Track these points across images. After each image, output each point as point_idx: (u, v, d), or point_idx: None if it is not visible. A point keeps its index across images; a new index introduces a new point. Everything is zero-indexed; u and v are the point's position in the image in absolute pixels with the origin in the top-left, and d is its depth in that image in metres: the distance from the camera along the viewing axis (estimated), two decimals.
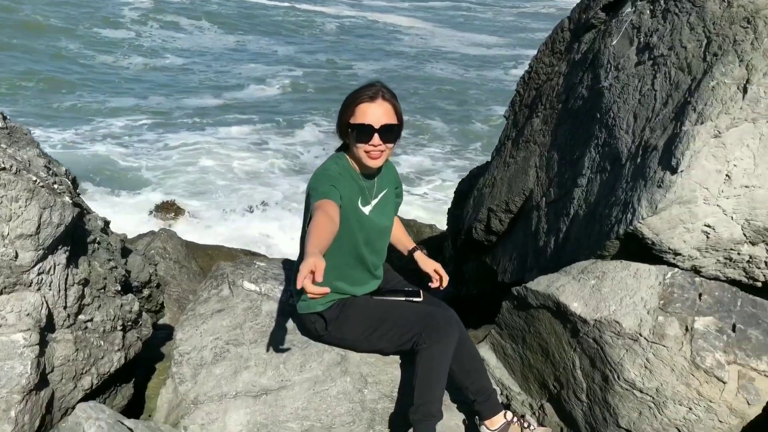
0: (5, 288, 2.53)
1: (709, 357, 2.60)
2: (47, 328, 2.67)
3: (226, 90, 19.76)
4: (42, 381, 2.61)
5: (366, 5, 36.67)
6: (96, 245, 3.25)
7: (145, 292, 3.89)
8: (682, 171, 3.08)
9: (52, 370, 2.73)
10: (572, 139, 4.29)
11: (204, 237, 10.24)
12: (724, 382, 2.58)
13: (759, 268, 3.30)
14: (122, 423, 2.63)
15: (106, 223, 3.51)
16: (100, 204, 11.20)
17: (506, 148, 5.32)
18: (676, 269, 2.89)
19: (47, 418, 2.66)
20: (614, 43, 4.13)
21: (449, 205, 7.02)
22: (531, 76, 5.30)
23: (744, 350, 2.63)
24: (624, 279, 2.86)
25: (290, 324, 3.01)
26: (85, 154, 13.96)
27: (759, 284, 3.35)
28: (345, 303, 2.73)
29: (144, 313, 3.44)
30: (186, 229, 10.64)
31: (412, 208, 12.19)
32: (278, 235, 11.06)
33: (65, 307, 2.79)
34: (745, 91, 3.06)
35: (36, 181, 2.56)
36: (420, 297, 2.78)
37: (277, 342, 2.89)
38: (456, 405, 2.85)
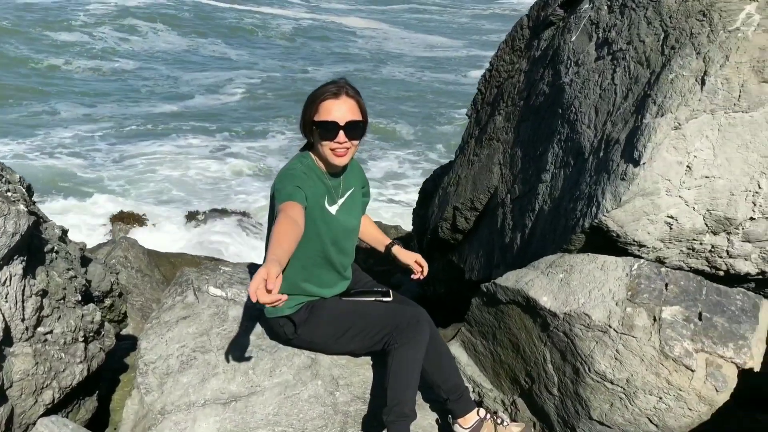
0: None
1: (677, 346, 2.63)
2: (4, 341, 2.57)
3: (179, 98, 19.44)
4: (0, 397, 2.51)
5: (320, 7, 36.56)
6: (54, 255, 3.14)
7: (107, 301, 3.79)
8: (644, 163, 3.11)
9: (11, 386, 2.62)
10: (535, 135, 4.32)
11: (166, 245, 10.06)
12: (692, 371, 2.61)
13: (721, 257, 3.36)
14: None
15: (64, 231, 3.41)
16: (57, 215, 10.92)
17: (470, 147, 5.34)
18: (642, 260, 2.92)
19: None
20: (573, 39, 4.17)
21: (414, 206, 7.01)
22: (492, 74, 5.32)
23: (711, 338, 2.67)
24: (591, 272, 2.88)
25: (258, 328, 2.95)
26: (38, 165, 13.60)
27: (721, 273, 3.41)
28: (314, 305, 2.68)
29: (106, 324, 3.35)
30: (148, 238, 10.44)
31: (377, 210, 12.17)
32: (242, 240, 10.93)
33: (23, 320, 2.69)
34: (703, 83, 3.11)
35: None
36: (390, 297, 2.75)
37: (245, 347, 2.83)
38: (429, 404, 2.83)
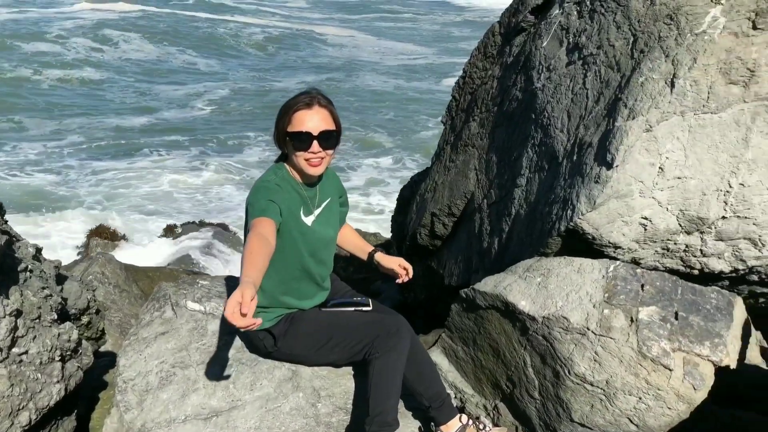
0: None
1: (654, 346, 2.66)
2: None
3: (149, 111, 19.23)
4: None
5: (293, 15, 36.51)
6: (28, 273, 3.09)
7: (84, 319, 3.73)
8: (617, 166, 3.15)
9: None
10: (509, 141, 4.35)
11: (144, 259, 9.96)
12: (670, 370, 2.64)
13: (695, 256, 3.40)
14: None
15: (38, 249, 3.36)
16: (31, 234, 10.77)
17: (446, 153, 5.36)
18: (618, 262, 2.95)
19: None
20: (544, 44, 4.22)
21: (393, 213, 7.03)
22: (466, 81, 5.36)
23: (687, 337, 2.70)
24: (569, 275, 2.90)
25: (238, 342, 2.93)
26: (8, 183, 13.37)
27: (696, 272, 3.46)
28: (293, 317, 2.67)
29: (84, 341, 3.30)
30: (125, 253, 10.34)
31: (357, 218, 12.17)
32: (221, 253, 10.86)
33: None
34: (672, 85, 3.16)
35: None
36: (369, 306, 2.75)
37: (225, 361, 2.81)
38: (411, 412, 2.83)
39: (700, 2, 3.16)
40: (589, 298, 2.78)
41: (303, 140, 2.45)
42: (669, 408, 2.66)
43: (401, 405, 2.83)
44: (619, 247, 3.27)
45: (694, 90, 3.16)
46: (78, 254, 10.35)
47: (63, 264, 7.55)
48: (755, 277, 3.51)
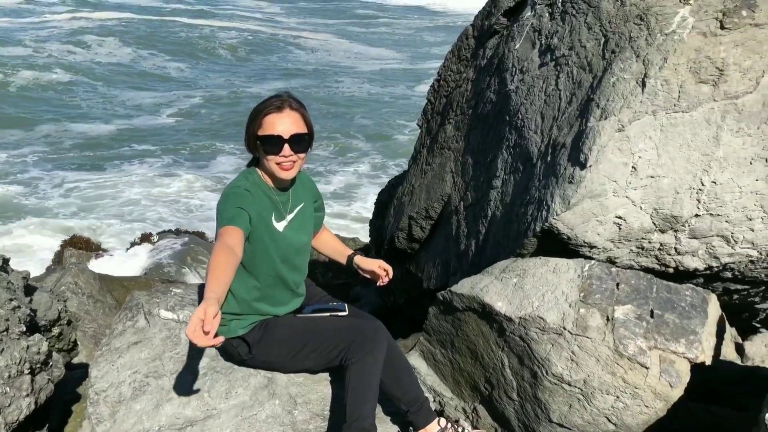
0: None
1: (631, 344, 2.66)
2: None
3: (118, 117, 18.97)
4: None
5: (266, 20, 36.37)
6: None
7: (55, 330, 3.66)
8: (590, 166, 3.17)
9: None
10: (484, 143, 4.36)
11: (120, 269, 9.83)
12: (647, 368, 2.65)
13: (669, 254, 3.43)
14: None
15: (5, 260, 3.28)
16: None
17: (422, 156, 5.36)
18: (593, 261, 2.96)
19: None
20: (517, 47, 4.23)
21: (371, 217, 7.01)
22: (440, 84, 5.37)
23: (663, 335, 2.71)
24: (544, 275, 2.90)
25: (212, 350, 2.88)
26: None
27: (671, 270, 3.48)
28: (267, 324, 2.63)
29: (54, 353, 3.23)
30: (100, 263, 10.20)
31: (336, 223, 12.14)
32: (197, 262, 10.75)
33: None
34: (643, 85, 3.19)
35: None
36: (345, 311, 2.72)
37: (199, 370, 2.76)
38: (390, 417, 2.81)
39: (669, 3, 3.19)
40: (565, 298, 2.78)
41: (274, 144, 2.42)
42: (646, 406, 2.66)
43: (380, 410, 2.81)
44: (594, 247, 3.29)
45: (665, 89, 3.18)
46: (50, 265, 10.18)
47: (36, 275, 7.42)
48: (729, 274, 3.54)
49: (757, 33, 3.06)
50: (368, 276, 2.94)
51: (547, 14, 3.95)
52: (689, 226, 3.32)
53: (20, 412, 2.88)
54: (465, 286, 3.02)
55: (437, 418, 2.72)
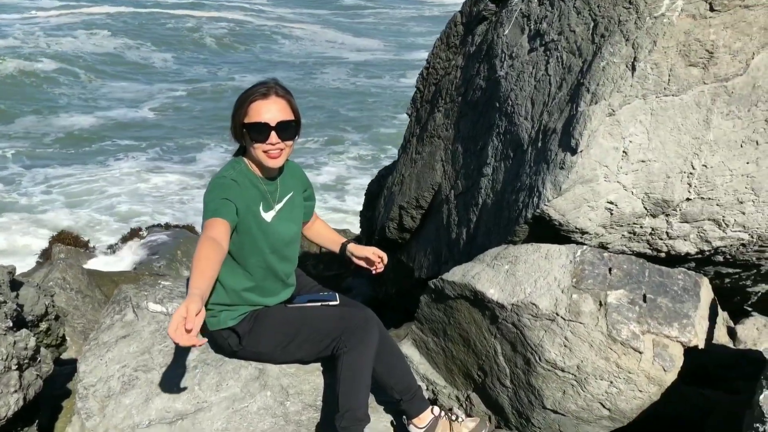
0: None
1: (624, 329, 2.65)
2: None
3: (99, 110, 18.72)
4: None
5: (253, 10, 36.06)
6: None
7: (43, 325, 3.61)
8: (581, 151, 3.14)
9: None
10: (474, 130, 4.33)
11: (109, 264, 9.76)
12: (640, 353, 2.63)
13: (661, 239, 3.42)
14: None
15: None
16: None
17: (411, 145, 5.32)
18: (585, 247, 2.94)
19: None
20: (506, 32, 4.20)
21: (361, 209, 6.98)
22: (429, 72, 5.33)
23: (656, 319, 2.70)
24: (536, 261, 2.88)
25: None
26: None
27: (663, 255, 3.47)
28: (258, 315, 2.59)
29: (42, 349, 3.18)
30: (89, 258, 10.12)
31: (327, 215, 12.10)
32: (186, 255, 10.69)
33: None
34: (633, 68, 3.16)
35: None
36: (336, 300, 2.68)
37: (189, 363, 2.72)
38: (383, 406, 2.79)
39: None
40: (558, 284, 2.76)
41: (260, 131, 2.37)
42: (640, 391, 2.65)
43: (372, 399, 2.79)
44: (586, 233, 3.27)
45: (655, 73, 3.16)
46: (39, 261, 10.09)
47: (24, 271, 7.34)
48: (720, 258, 3.54)
49: (747, 14, 3.04)
50: (363, 264, 2.90)
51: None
52: (680, 210, 3.31)
53: (8, 408, 2.83)
54: (456, 274, 3.00)
55: (430, 407, 2.70)
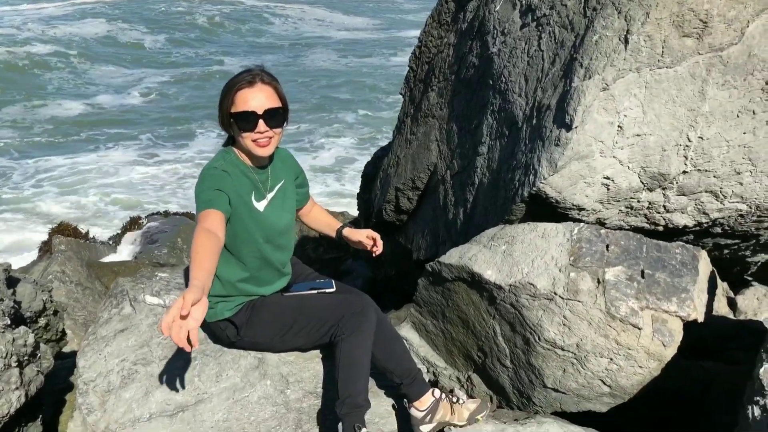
0: None
1: (622, 306, 2.64)
2: None
3: (89, 96, 18.48)
4: None
5: None
6: None
7: (41, 321, 3.61)
8: (576, 127, 3.11)
9: None
10: (468, 109, 4.29)
11: (109, 254, 9.76)
12: (639, 329, 2.63)
13: (659, 213, 3.40)
14: None
15: None
16: None
17: (406, 126, 5.28)
18: (582, 224, 2.92)
19: None
20: (498, 8, 4.14)
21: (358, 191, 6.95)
22: (422, 51, 5.27)
23: (654, 294, 2.69)
24: (533, 240, 2.86)
25: (201, 334, 2.84)
26: None
27: (661, 228, 3.45)
28: (254, 305, 2.58)
29: (42, 345, 3.18)
30: (90, 249, 10.09)
31: (326, 198, 12.08)
32: (187, 243, 10.68)
33: None
34: (626, 42, 3.12)
35: None
36: (333, 287, 2.67)
37: (188, 354, 2.72)
38: (383, 390, 2.78)
39: None
40: (555, 263, 2.74)
41: (248, 120, 2.34)
42: (640, 366, 2.65)
43: (373, 384, 2.79)
44: (583, 209, 3.25)
45: (649, 45, 3.12)
46: (39, 254, 10.09)
47: (23, 265, 7.34)
48: (719, 230, 3.52)
49: None
50: (359, 247, 2.90)
51: None
52: (677, 183, 3.28)
53: (10, 405, 2.84)
54: (453, 256, 2.98)
55: (431, 389, 2.70)
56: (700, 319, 2.76)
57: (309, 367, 2.73)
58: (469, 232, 3.87)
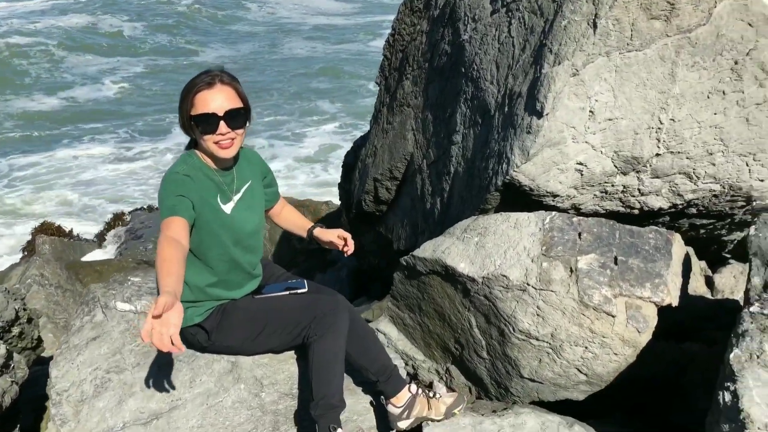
0: None
1: (596, 294, 2.63)
2: None
3: (63, 88, 18.10)
4: None
5: None
6: None
7: (15, 330, 3.56)
8: (547, 114, 3.09)
9: None
10: (442, 97, 4.26)
11: (94, 253, 9.69)
12: (613, 316, 2.62)
13: (633, 196, 3.39)
14: None
15: None
16: None
17: (382, 115, 5.24)
18: (554, 213, 2.91)
19: None
20: None
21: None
22: (395, 39, 5.22)
23: (628, 281, 2.68)
24: (505, 231, 2.85)
25: None
26: None
27: (636, 212, 3.45)
28: (225, 308, 2.55)
29: (15, 354, 3.15)
30: (75, 249, 10.01)
31: (309, 188, 12.02)
32: None
33: None
34: (595, 26, 3.09)
35: None
36: (305, 287, 2.64)
37: (161, 361, 2.69)
38: (361, 388, 2.77)
39: None
40: (527, 253, 2.73)
41: (209, 122, 2.30)
42: (615, 354, 2.65)
43: (350, 381, 2.77)
44: (558, 195, 3.23)
45: (617, 29, 3.09)
46: (23, 256, 10.00)
47: (1, 270, 7.24)
48: (694, 210, 3.52)
49: None
50: (330, 247, 2.86)
51: None
52: (651, 165, 3.28)
53: None
54: (427, 250, 2.96)
55: (407, 385, 2.69)
56: (675, 303, 2.76)
57: (283, 368, 2.71)
58: (447, 222, 3.86)
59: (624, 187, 3.35)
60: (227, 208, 2.47)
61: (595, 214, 3.40)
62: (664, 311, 2.75)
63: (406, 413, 2.64)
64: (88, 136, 15.29)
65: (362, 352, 2.63)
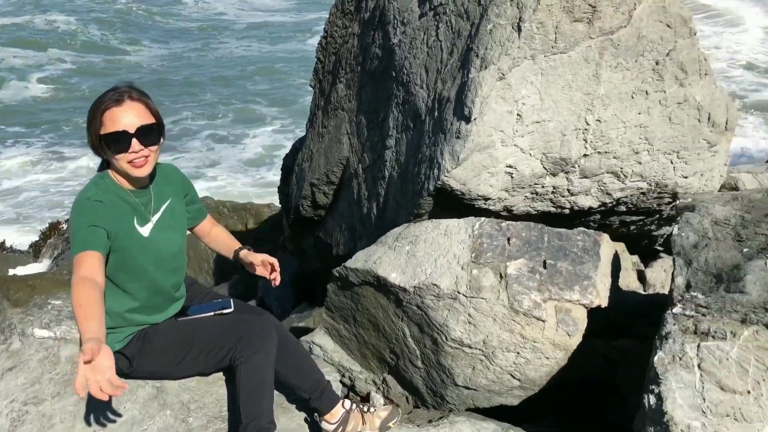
0: None
1: (525, 300, 2.64)
2: None
3: None
4: None
5: None
6: None
7: None
8: (475, 119, 3.08)
9: None
10: (375, 101, 4.22)
11: (29, 267, 9.33)
12: (543, 321, 2.64)
13: (564, 196, 3.42)
14: None
15: None
16: None
17: (318, 119, 5.18)
18: (483, 219, 2.90)
19: None
20: None
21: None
22: (328, 41, 5.15)
23: (557, 284, 2.70)
24: (436, 239, 2.83)
25: None
26: None
27: (567, 211, 3.49)
28: (146, 334, 2.45)
29: None
30: (5, 262, 9.63)
31: (252, 191, 11.83)
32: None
33: None
34: (519, 29, 3.10)
35: None
36: (231, 307, 2.55)
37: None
38: (294, 405, 2.72)
39: None
40: (457, 261, 2.72)
41: (120, 141, 2.19)
42: (547, 358, 2.67)
43: (284, 399, 2.72)
44: (489, 198, 3.24)
45: (541, 32, 3.11)
46: None
47: None
48: (623, 208, 3.58)
49: None
50: (255, 271, 2.71)
51: None
52: (579, 166, 3.31)
53: None
54: (359, 260, 2.92)
55: (341, 401, 2.64)
56: (604, 304, 2.79)
57: (212, 391, 2.63)
58: (384, 226, 3.82)
59: (554, 187, 3.38)
60: (145, 230, 2.36)
61: (527, 215, 3.42)
62: (595, 310, 2.78)
63: (340, 429, 2.60)
64: (9, 140, 14.56)
65: (293, 370, 2.56)
